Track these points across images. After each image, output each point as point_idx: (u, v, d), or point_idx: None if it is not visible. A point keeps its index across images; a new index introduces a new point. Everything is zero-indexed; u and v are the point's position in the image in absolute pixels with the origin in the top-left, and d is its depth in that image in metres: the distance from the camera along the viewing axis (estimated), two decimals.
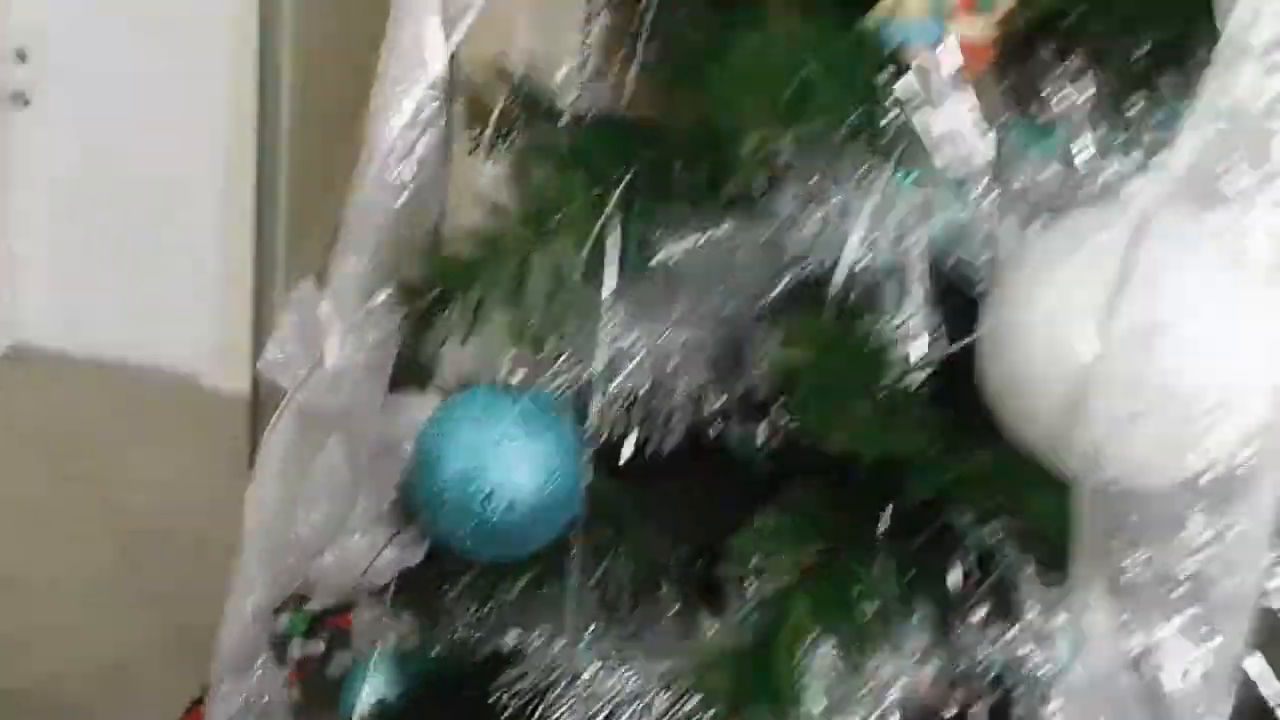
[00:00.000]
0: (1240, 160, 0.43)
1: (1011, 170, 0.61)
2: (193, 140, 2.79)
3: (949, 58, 0.60)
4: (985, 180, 0.61)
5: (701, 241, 0.65)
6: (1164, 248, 0.46)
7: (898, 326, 0.60)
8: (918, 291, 0.61)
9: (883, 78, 0.59)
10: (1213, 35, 0.47)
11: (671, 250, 0.66)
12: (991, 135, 0.61)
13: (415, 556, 0.87)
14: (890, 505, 0.64)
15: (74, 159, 2.93)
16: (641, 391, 0.76)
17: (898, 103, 0.59)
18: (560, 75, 1.01)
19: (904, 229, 0.62)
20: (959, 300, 0.62)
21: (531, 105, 0.98)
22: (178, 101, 2.78)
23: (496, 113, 0.98)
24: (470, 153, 1.01)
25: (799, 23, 0.60)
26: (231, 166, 2.68)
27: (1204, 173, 0.43)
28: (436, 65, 0.76)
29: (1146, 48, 0.54)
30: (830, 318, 0.59)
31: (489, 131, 0.98)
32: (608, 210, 0.66)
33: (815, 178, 0.62)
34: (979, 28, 0.61)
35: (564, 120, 0.96)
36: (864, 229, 0.61)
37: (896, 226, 0.61)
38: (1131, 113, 0.59)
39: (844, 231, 0.61)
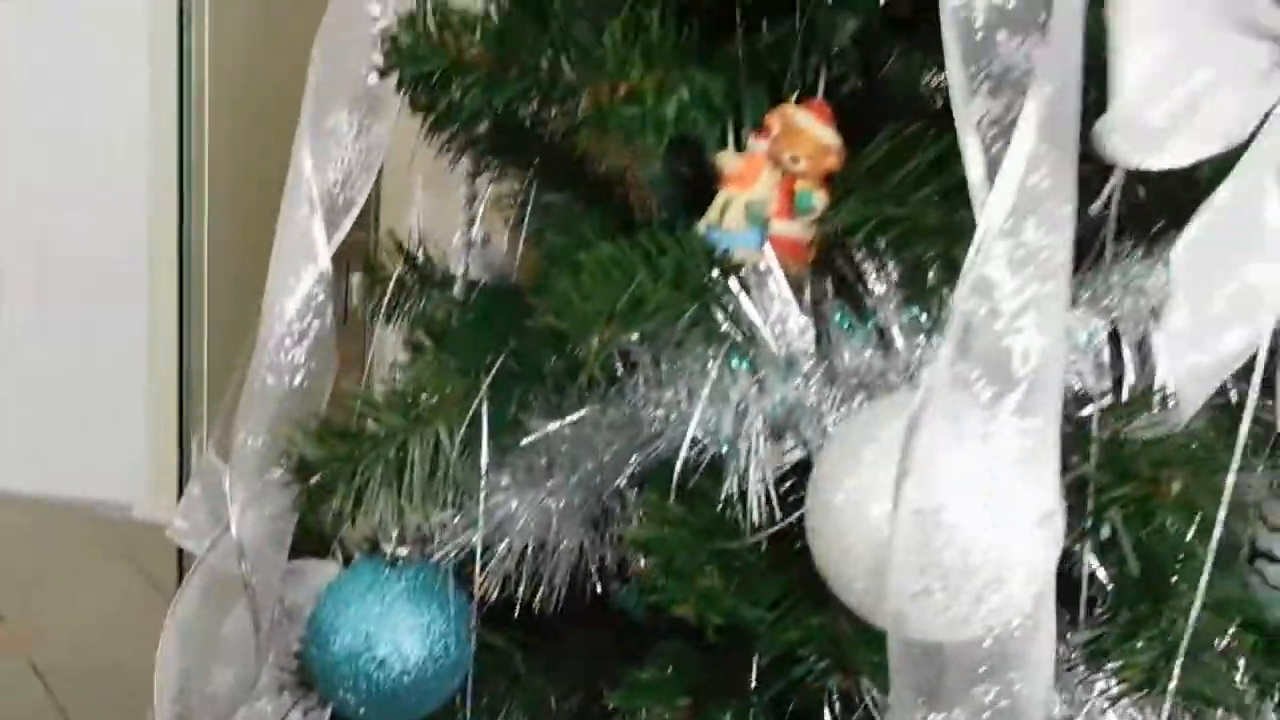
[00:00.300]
0: (981, 374, 0.50)
1: (833, 353, 0.68)
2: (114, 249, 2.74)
3: (768, 257, 0.67)
4: (810, 363, 0.68)
5: (565, 424, 0.72)
6: (936, 436, 0.52)
7: (740, 499, 0.67)
8: (757, 466, 0.68)
9: (710, 278, 0.66)
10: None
11: (539, 429, 0.73)
12: (811, 322, 0.68)
13: None
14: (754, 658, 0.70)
15: None
16: (526, 551, 0.81)
17: (727, 298, 0.67)
18: (453, 243, 1.08)
19: (741, 409, 0.68)
20: (798, 472, 0.69)
21: (425, 275, 1.05)
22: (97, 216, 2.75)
23: (393, 282, 1.06)
24: (370, 321, 1.07)
25: (639, 234, 0.68)
26: (153, 280, 2.67)
27: (957, 378, 0.50)
28: (323, 259, 0.82)
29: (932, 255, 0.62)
30: (676, 495, 0.66)
31: (386, 300, 1.05)
32: (480, 395, 0.72)
33: (659, 366, 0.69)
34: (797, 228, 0.68)
35: (457, 288, 1.03)
36: (702, 411, 0.68)
37: (735, 407, 0.68)
38: (932, 303, 0.67)
39: (687, 413, 0.68)
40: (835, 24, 0.69)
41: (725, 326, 0.68)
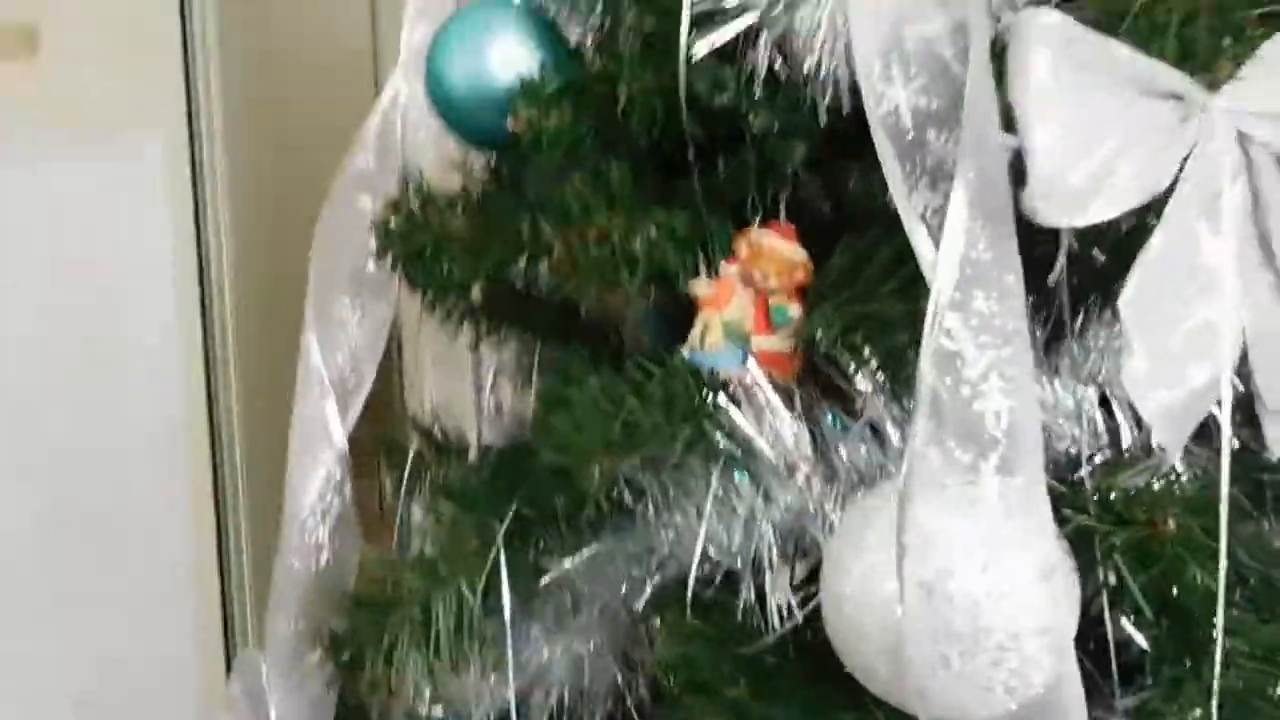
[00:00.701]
0: (957, 441, 0.52)
1: (830, 453, 0.70)
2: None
3: (753, 371, 0.70)
4: (808, 466, 0.70)
5: (579, 560, 0.73)
6: (926, 508, 0.54)
7: (759, 606, 0.68)
8: (775, 573, 0.69)
9: (699, 399, 0.69)
10: None
11: (556, 570, 0.75)
12: (804, 427, 0.71)
13: None
14: None
15: None
16: (564, 698, 0.82)
17: (720, 415, 0.69)
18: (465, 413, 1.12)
19: (747, 519, 0.70)
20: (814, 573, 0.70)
21: (442, 447, 1.08)
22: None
23: (410, 456, 1.09)
24: (392, 497, 1.10)
25: (626, 364, 0.71)
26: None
27: (936, 448, 0.53)
28: (338, 440, 0.86)
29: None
30: (694, 610, 0.67)
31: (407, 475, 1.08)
32: (495, 546, 0.74)
33: (664, 490, 0.71)
34: (776, 340, 0.71)
35: (472, 453, 1.07)
36: (709, 526, 0.69)
37: (741, 518, 0.70)
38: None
39: (695, 531, 0.70)
40: (785, 150, 0.74)
41: (722, 443, 0.70)
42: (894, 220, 0.67)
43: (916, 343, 0.65)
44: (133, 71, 1.92)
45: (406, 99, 0.89)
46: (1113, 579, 0.57)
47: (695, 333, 0.71)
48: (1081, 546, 0.57)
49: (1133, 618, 0.67)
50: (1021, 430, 0.52)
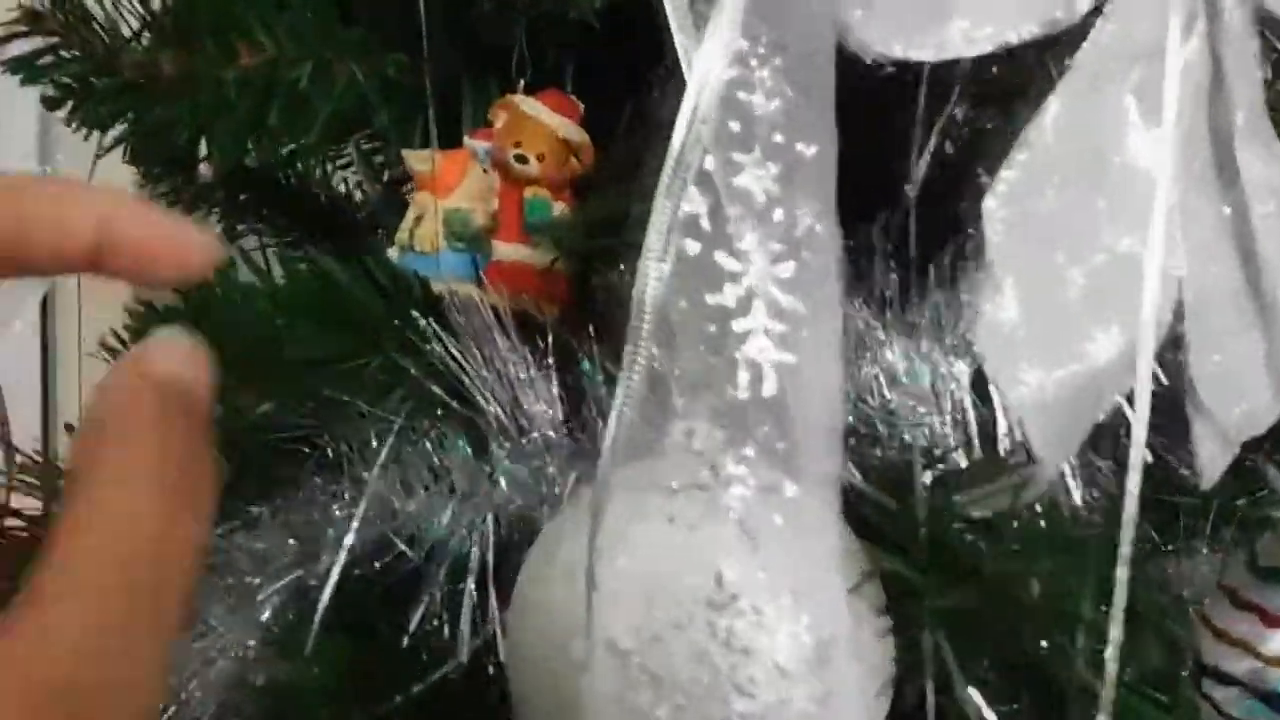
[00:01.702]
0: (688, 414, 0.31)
1: (582, 416, 0.49)
2: None
3: (486, 288, 0.49)
4: (547, 429, 0.49)
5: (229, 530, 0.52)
6: (631, 525, 0.33)
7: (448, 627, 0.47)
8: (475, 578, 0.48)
9: (399, 318, 0.48)
10: None
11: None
12: (554, 379, 0.49)
13: None
14: None
15: None
16: None
17: (422, 348, 0.48)
18: None
19: (459, 497, 0.49)
20: None
21: None
22: None
23: None
24: None
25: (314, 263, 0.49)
26: None
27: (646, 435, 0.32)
28: None
29: None
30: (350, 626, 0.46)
31: None
32: None
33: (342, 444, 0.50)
34: (527, 251, 0.50)
35: None
36: (400, 505, 0.48)
37: (445, 495, 0.49)
38: None
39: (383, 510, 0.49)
40: None
41: (433, 389, 0.49)
42: None
43: None
44: None
45: None
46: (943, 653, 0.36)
47: (406, 223, 0.49)
48: (904, 601, 0.37)
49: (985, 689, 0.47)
50: (805, 402, 0.32)
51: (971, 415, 0.51)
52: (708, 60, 0.31)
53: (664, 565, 0.31)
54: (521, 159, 0.50)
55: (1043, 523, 0.36)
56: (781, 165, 0.32)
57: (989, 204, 0.32)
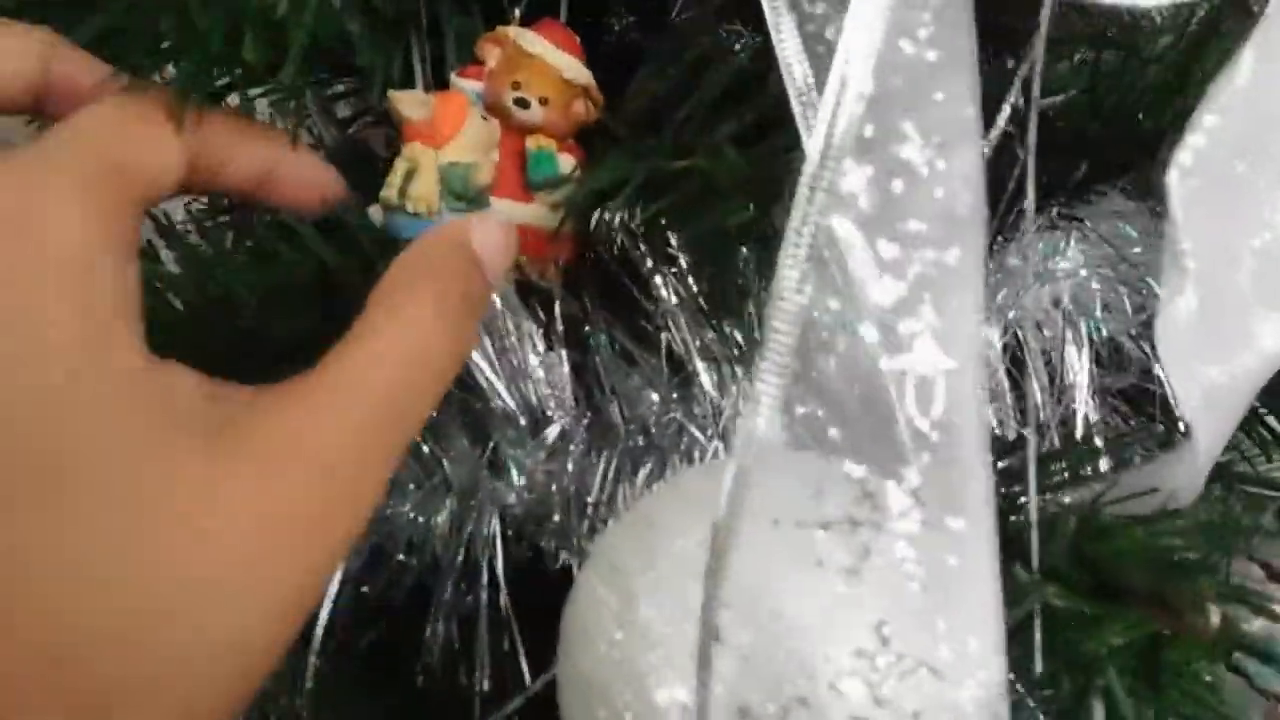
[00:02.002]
0: (838, 433, 0.25)
1: (604, 402, 0.43)
2: None
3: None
4: (566, 421, 0.43)
5: None
6: (769, 563, 0.28)
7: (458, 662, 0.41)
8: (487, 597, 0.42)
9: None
10: None
11: None
12: (564, 356, 0.43)
13: None
14: None
15: None
16: None
17: None
18: None
19: (459, 495, 0.43)
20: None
21: None
22: None
23: None
24: None
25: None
26: None
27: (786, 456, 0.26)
28: None
29: None
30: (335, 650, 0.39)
31: None
32: None
33: None
34: (533, 209, 0.43)
35: None
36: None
37: (449, 497, 0.42)
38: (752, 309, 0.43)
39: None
40: None
41: None
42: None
43: (758, 235, 0.39)
44: None
45: None
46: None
47: (393, 180, 0.41)
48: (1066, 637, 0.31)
49: None
50: (966, 417, 0.26)
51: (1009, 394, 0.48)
52: (863, 27, 0.25)
53: (812, 617, 0.26)
54: (522, 103, 0.43)
55: (1211, 536, 0.32)
56: (942, 132, 0.26)
57: (1173, 176, 0.27)
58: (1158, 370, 0.40)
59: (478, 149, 0.42)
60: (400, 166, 0.41)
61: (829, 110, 0.24)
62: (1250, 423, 0.49)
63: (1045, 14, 0.32)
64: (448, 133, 0.41)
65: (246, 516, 0.25)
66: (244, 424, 0.26)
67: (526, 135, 0.43)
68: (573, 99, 0.44)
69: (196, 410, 0.27)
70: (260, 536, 0.25)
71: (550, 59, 0.44)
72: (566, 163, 0.44)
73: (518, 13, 0.45)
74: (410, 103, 0.41)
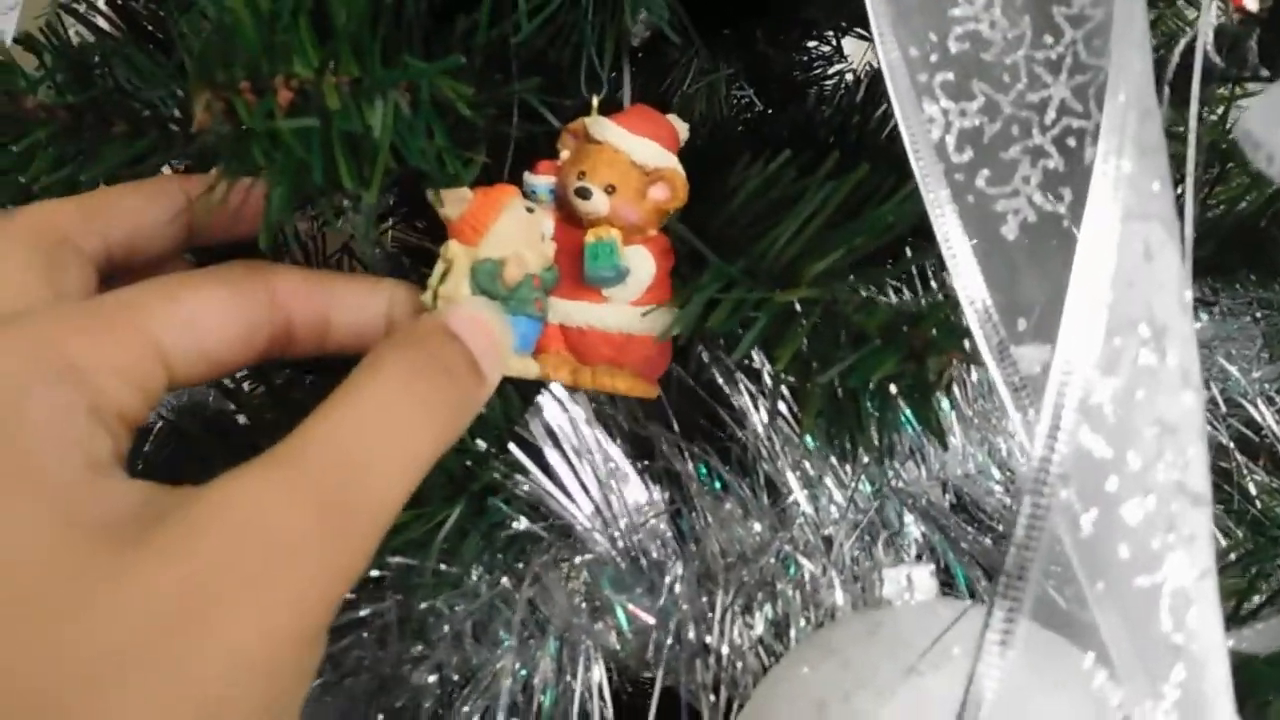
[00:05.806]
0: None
1: (704, 536, 0.40)
2: None
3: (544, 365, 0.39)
4: (672, 563, 0.39)
5: None
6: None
7: None
8: None
9: None
10: None
11: None
12: (654, 487, 0.39)
13: None
14: None
15: None
16: None
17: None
18: None
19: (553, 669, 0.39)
20: None
21: None
22: None
23: None
24: None
25: None
26: None
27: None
28: None
29: None
30: None
31: None
32: None
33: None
34: (603, 312, 0.39)
35: None
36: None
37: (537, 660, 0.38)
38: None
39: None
40: None
41: (495, 504, 0.38)
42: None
43: (917, 378, 0.36)
44: None
45: None
46: None
47: (432, 279, 0.38)
48: None
49: None
50: (1213, 631, 0.23)
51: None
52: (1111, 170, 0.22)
53: None
54: (584, 193, 0.39)
55: None
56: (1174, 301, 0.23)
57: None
58: None
59: (518, 244, 0.38)
60: (439, 266, 0.37)
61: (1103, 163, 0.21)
62: None
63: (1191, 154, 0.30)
64: (480, 229, 0.37)
65: (152, 597, 0.25)
66: (171, 513, 0.26)
67: (588, 228, 0.40)
68: (647, 185, 0.40)
69: (124, 512, 0.26)
70: (164, 615, 0.25)
71: (618, 143, 0.40)
72: (637, 256, 0.40)
73: (595, 99, 0.41)
74: (450, 200, 0.37)
